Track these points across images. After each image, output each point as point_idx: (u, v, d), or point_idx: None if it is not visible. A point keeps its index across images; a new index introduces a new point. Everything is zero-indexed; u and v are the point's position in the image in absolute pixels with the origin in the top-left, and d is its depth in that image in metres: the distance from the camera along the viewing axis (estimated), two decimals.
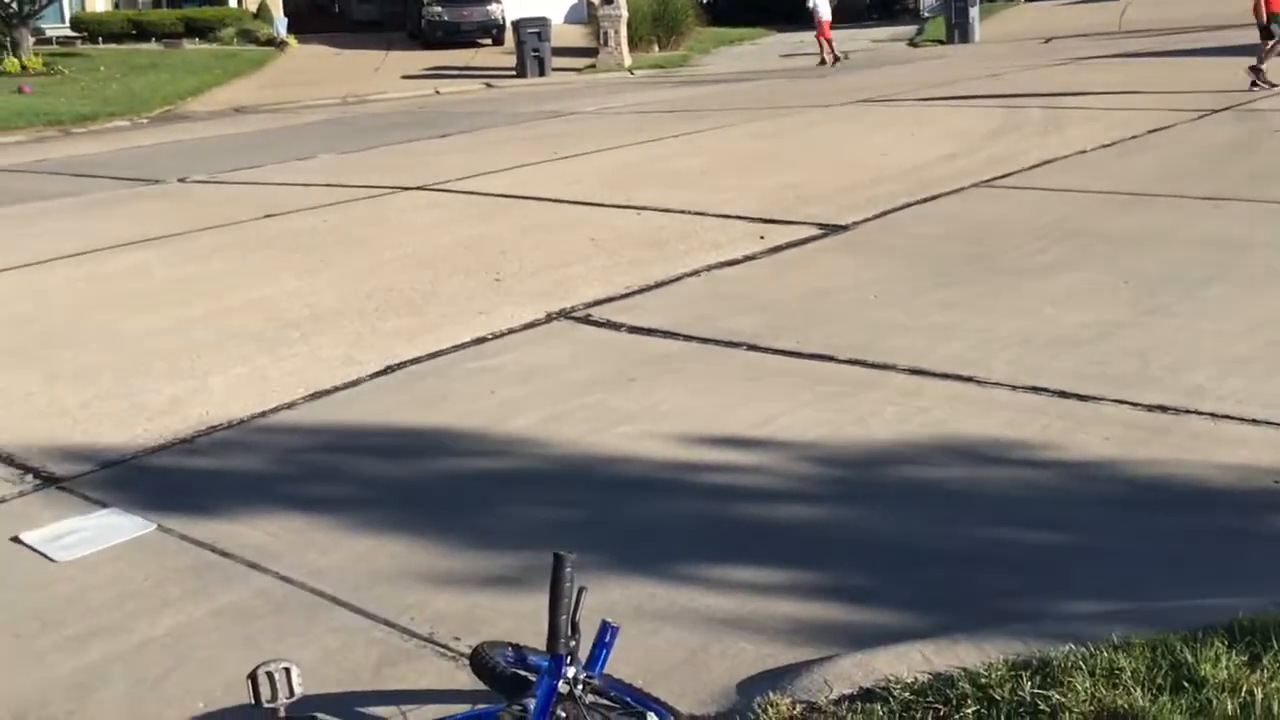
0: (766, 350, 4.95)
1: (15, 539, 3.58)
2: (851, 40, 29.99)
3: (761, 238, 6.93)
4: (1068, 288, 5.58)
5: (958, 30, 26.25)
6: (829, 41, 23.32)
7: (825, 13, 23.33)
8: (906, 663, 2.57)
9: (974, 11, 26.32)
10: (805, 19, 26.14)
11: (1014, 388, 4.32)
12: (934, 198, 7.75)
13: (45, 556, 3.46)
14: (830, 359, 4.78)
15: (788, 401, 4.34)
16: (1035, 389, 4.29)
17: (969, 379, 4.44)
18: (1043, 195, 7.72)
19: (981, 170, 8.55)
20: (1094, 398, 4.17)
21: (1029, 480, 3.63)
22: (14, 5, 25.72)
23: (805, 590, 3.02)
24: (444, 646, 2.84)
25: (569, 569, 2.04)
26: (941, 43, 26.49)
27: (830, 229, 7.06)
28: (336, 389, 4.82)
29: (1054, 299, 5.40)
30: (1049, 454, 3.77)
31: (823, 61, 23.04)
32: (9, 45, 25.61)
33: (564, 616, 2.02)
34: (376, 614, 3.01)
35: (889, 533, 3.32)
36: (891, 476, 3.70)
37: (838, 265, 6.30)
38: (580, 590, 2.07)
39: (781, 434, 4.05)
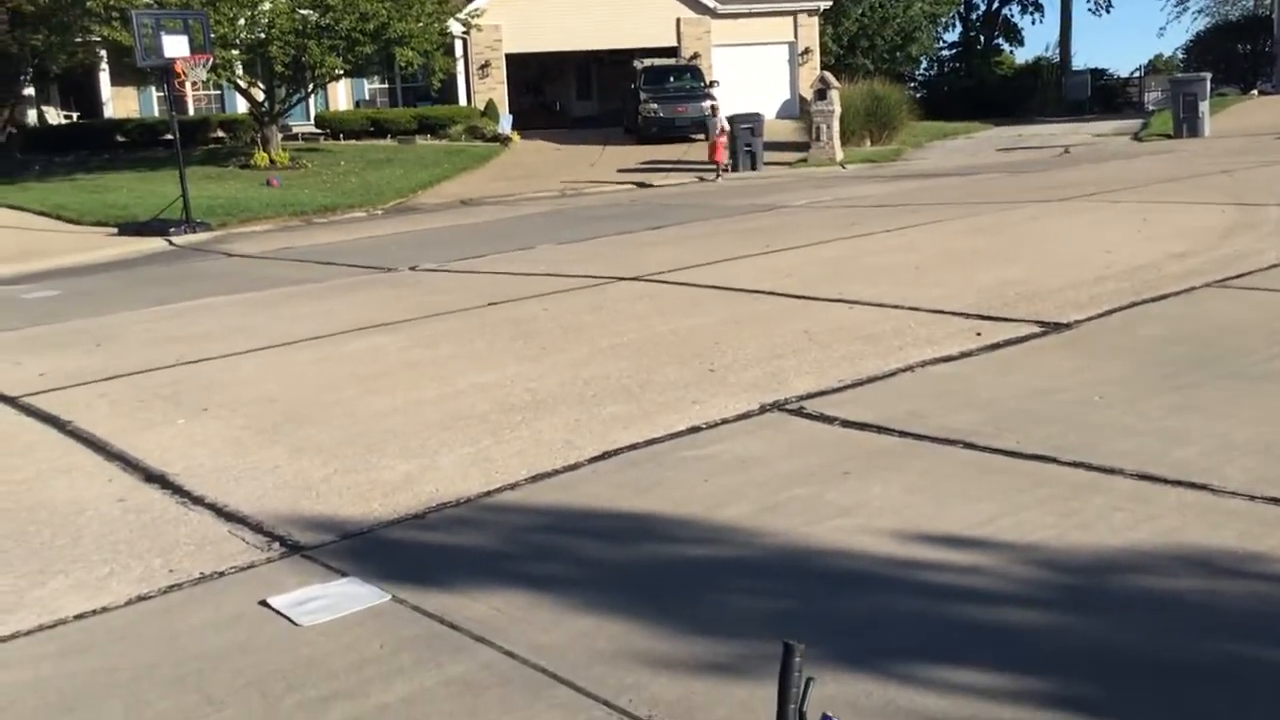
0: (984, 449, 4.88)
1: (263, 603, 3.84)
2: (1074, 134, 29.40)
3: (978, 334, 6.84)
4: None
5: (1186, 124, 25.40)
6: (718, 161, 24.86)
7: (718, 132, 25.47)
8: None
9: (1204, 105, 25.45)
10: (1023, 113, 25.79)
11: (1252, 498, 4.13)
12: (1162, 297, 7.49)
13: (290, 620, 3.69)
14: (1053, 460, 4.66)
15: (1007, 502, 4.26)
16: (1275, 500, 4.09)
17: (1202, 487, 4.26)
18: None
19: (1213, 270, 8.22)
20: None
21: (1269, 595, 3.45)
22: (266, 104, 27.87)
23: (1031, 697, 2.95)
24: None
25: (798, 659, 2.07)
26: (1169, 137, 25.68)
27: (1051, 327, 6.91)
28: (557, 472, 4.99)
29: None
30: None
31: (717, 176, 24.29)
32: (260, 141, 27.76)
33: (792, 706, 2.04)
34: (597, 694, 3.09)
35: (1120, 643, 3.21)
36: (1120, 585, 3.58)
37: (1059, 364, 6.15)
38: (808, 681, 2.09)
39: (1001, 535, 3.97)
